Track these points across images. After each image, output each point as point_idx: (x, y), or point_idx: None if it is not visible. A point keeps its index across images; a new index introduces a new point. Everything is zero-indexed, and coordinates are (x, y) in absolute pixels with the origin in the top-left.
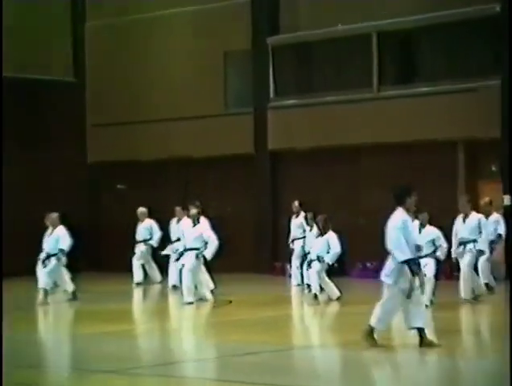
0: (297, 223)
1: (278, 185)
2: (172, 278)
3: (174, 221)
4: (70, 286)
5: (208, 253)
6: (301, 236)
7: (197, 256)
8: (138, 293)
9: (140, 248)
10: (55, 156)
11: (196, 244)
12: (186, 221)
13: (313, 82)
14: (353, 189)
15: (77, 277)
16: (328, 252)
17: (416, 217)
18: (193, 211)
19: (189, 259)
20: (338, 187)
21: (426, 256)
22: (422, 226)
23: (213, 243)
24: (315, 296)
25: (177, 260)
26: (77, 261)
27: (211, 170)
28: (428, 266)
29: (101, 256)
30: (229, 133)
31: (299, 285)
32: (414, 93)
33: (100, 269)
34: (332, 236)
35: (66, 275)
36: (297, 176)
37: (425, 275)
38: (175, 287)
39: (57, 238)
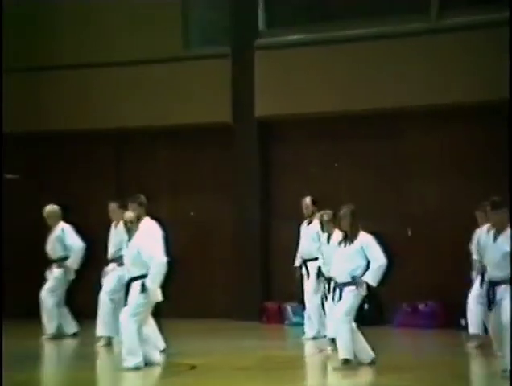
0: (310, 233)
1: (270, 172)
2: (104, 325)
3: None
4: None
5: (149, 282)
6: (317, 254)
7: (142, 290)
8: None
9: (53, 273)
10: None
11: (136, 269)
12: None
13: (327, 5)
14: (392, 178)
15: None
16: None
17: None
18: (129, 213)
19: (133, 296)
20: (368, 175)
21: None
22: None
23: (160, 266)
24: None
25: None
26: None
27: (162, 149)
28: None
29: None
30: (190, 90)
31: (315, 338)
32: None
33: None
34: (365, 241)
35: None
36: (300, 157)
37: None
38: (109, 341)
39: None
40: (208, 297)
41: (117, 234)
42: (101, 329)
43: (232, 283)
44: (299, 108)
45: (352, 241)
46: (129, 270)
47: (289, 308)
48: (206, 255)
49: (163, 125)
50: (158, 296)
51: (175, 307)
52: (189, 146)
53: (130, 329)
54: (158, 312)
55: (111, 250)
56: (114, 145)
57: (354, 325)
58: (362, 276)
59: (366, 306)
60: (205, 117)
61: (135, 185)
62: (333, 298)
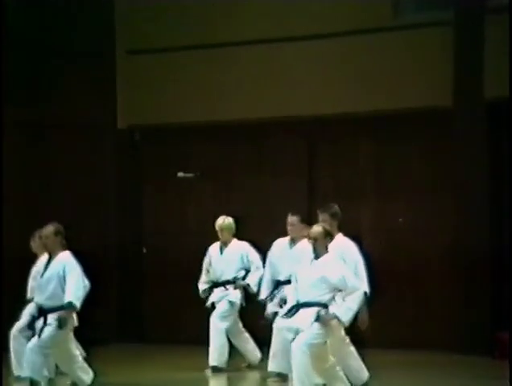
0: None
1: (502, 167)
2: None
3: None
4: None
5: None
6: None
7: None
8: None
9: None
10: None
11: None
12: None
13: None
14: None
15: None
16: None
17: None
18: (315, 228)
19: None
20: None
21: None
22: None
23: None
24: None
25: None
26: None
27: (363, 140)
28: None
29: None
30: (400, 68)
31: None
32: None
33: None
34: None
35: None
36: None
37: None
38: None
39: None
40: (421, 324)
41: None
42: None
43: (453, 308)
44: None
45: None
46: (304, 294)
47: None
48: (418, 271)
49: (364, 111)
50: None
51: (380, 335)
52: (395, 137)
53: (303, 362)
54: (361, 341)
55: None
56: (306, 136)
57: None
58: None
59: None
60: (416, 101)
61: (331, 185)
62: None
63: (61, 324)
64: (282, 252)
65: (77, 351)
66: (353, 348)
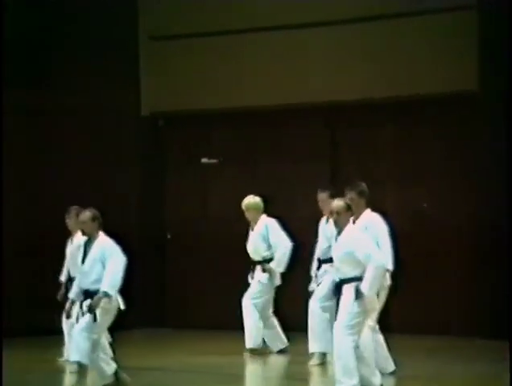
0: None
1: None
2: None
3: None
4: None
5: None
6: None
7: (357, 296)
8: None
9: (257, 277)
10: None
11: (348, 269)
12: None
13: None
14: None
15: None
16: None
17: None
18: (337, 202)
19: (345, 304)
20: None
21: None
22: None
23: (380, 269)
24: None
25: None
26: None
27: (385, 124)
28: None
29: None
30: (420, 53)
31: None
32: None
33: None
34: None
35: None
36: None
37: None
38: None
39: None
40: (443, 309)
41: (325, 228)
42: (313, 345)
43: (472, 292)
44: None
45: None
46: (338, 271)
47: None
48: (438, 258)
49: (386, 96)
50: (375, 304)
51: (403, 320)
52: (420, 122)
53: (344, 344)
54: (386, 326)
55: (322, 247)
56: (327, 120)
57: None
58: None
59: None
60: (438, 86)
61: (355, 169)
62: None
63: (92, 310)
64: (321, 231)
65: (104, 339)
66: (381, 336)
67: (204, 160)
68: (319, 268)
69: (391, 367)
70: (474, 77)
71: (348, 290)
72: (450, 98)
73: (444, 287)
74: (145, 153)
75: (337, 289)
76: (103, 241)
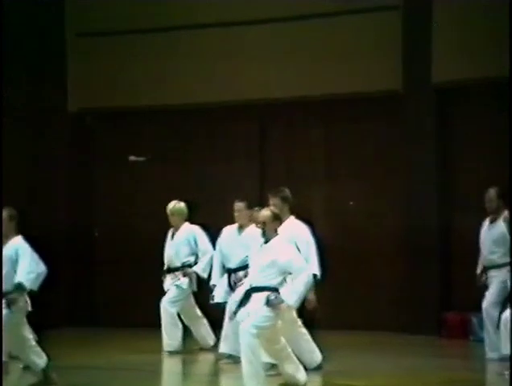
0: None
1: (451, 152)
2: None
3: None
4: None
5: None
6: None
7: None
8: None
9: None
10: None
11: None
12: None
13: None
14: None
15: None
16: None
17: None
18: (263, 212)
19: (256, 308)
20: None
21: None
22: None
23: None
24: None
25: None
26: None
27: (314, 124)
28: None
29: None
30: (349, 53)
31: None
32: None
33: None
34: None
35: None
36: (490, 133)
37: None
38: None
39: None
40: (371, 305)
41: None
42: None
43: (402, 289)
44: (485, 72)
45: None
46: (254, 279)
47: (474, 320)
48: (367, 254)
49: (315, 95)
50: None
51: (331, 317)
52: (346, 121)
53: (249, 341)
54: (313, 323)
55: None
56: (258, 120)
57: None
58: None
59: None
60: (367, 85)
61: (284, 169)
62: None
63: (10, 305)
64: (230, 240)
65: (30, 335)
66: (304, 330)
67: (131, 158)
68: (228, 275)
69: (316, 362)
70: (399, 77)
71: (260, 297)
72: (378, 97)
73: (375, 286)
74: (72, 149)
75: (248, 295)
76: (16, 242)
